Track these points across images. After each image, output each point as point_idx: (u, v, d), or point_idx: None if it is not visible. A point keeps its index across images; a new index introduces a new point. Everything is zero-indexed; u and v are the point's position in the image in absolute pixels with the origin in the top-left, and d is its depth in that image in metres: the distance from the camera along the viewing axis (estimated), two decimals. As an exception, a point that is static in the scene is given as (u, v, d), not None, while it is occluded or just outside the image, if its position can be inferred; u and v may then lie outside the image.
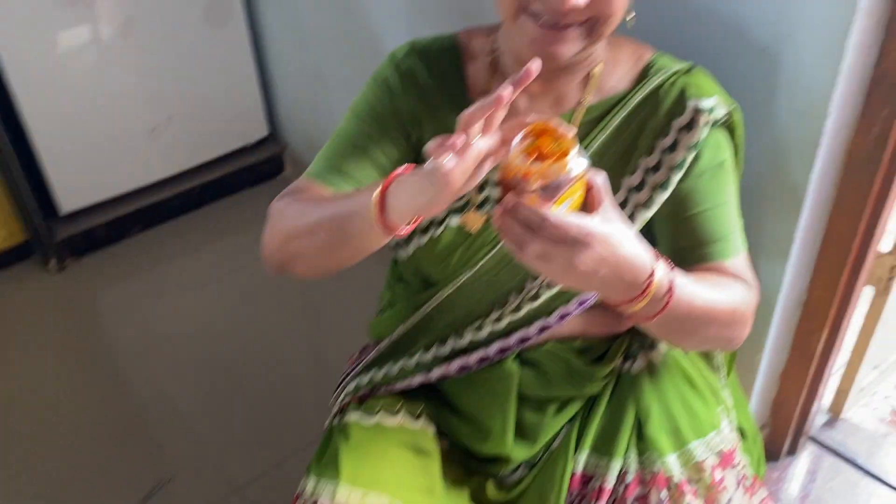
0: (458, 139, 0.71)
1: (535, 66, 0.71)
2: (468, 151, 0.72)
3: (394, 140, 0.99)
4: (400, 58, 1.01)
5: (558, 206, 0.73)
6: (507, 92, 0.70)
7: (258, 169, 2.49)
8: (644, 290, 0.79)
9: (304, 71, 2.22)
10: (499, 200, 0.74)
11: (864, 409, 1.71)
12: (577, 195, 0.75)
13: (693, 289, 0.86)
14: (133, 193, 2.29)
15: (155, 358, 1.94)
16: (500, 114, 0.74)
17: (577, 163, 0.73)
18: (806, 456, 1.57)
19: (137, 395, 1.86)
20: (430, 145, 0.72)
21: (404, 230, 0.81)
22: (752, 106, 1.13)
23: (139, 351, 1.97)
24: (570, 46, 0.89)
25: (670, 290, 0.81)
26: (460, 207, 1.01)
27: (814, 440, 1.59)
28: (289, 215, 0.94)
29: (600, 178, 0.75)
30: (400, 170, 0.80)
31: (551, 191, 0.72)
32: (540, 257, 0.73)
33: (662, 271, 0.81)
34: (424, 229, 1.01)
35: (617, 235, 0.75)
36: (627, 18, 0.94)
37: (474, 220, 1.01)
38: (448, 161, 0.71)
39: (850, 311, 1.34)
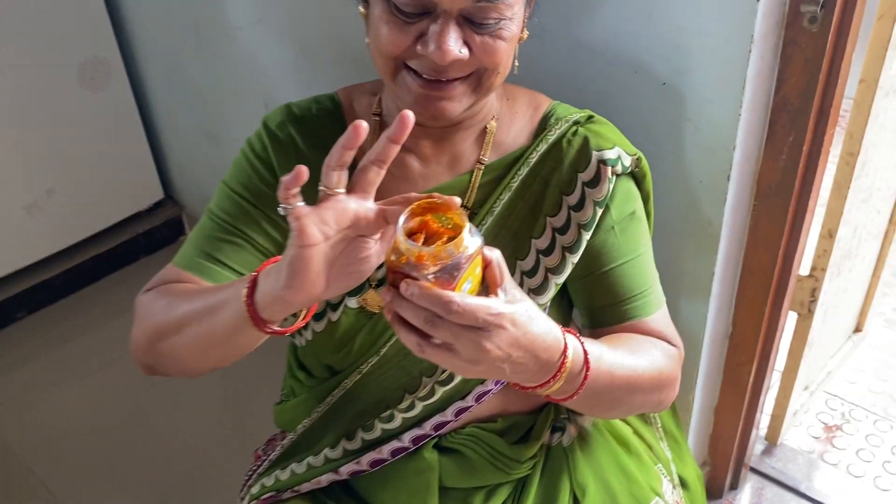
0: (302, 171, 0.63)
1: (411, 113, 0.65)
2: (328, 200, 0.65)
3: (273, 220, 0.89)
4: (274, 127, 0.91)
5: (458, 289, 0.65)
6: (364, 125, 0.64)
7: (156, 234, 2.33)
8: (560, 368, 0.72)
9: (195, 129, 2.09)
10: (395, 288, 0.65)
11: (798, 428, 1.68)
12: (475, 275, 0.67)
13: (611, 358, 0.80)
14: (14, 275, 2.09)
15: (49, 458, 1.75)
16: (374, 173, 0.67)
17: (471, 240, 0.65)
18: (748, 489, 1.53)
19: (29, 502, 1.67)
20: (279, 191, 0.64)
21: (279, 328, 0.71)
22: (658, 143, 1.09)
23: (30, 451, 1.78)
24: (457, 103, 0.81)
25: (586, 363, 0.75)
26: (358, 287, 0.91)
27: (754, 471, 1.55)
28: (155, 311, 0.83)
29: (496, 254, 0.68)
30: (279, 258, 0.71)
31: (449, 273, 0.64)
32: (445, 348, 0.66)
33: (574, 344, 0.75)
34: (320, 314, 0.91)
35: (526, 313, 0.68)
36: (516, 65, 0.87)
37: (374, 299, 0.91)
38: (303, 206, 0.64)
39: (777, 339, 1.30)
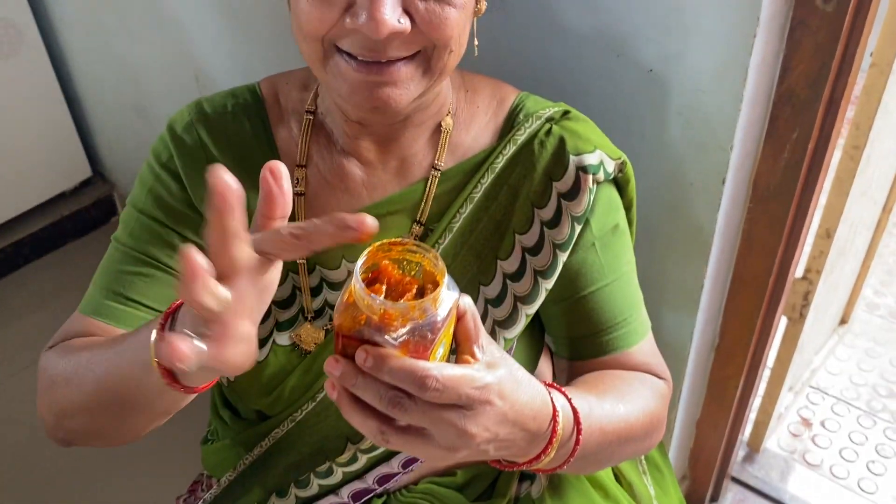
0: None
1: (280, 165, 0.47)
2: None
3: (190, 241, 0.72)
4: (181, 130, 0.74)
5: (433, 356, 0.50)
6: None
7: (84, 215, 2.13)
8: (551, 438, 0.59)
9: (123, 101, 1.88)
10: (347, 358, 0.50)
11: (780, 428, 1.58)
12: (449, 335, 0.53)
13: (600, 411, 0.67)
14: (-77, 266, 1.90)
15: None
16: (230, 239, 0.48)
17: (448, 293, 0.50)
18: (729, 500, 1.43)
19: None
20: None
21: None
22: (643, 139, 0.94)
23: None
24: (403, 89, 0.65)
25: (577, 423, 0.62)
26: (290, 320, 0.76)
27: (735, 480, 1.45)
28: (56, 377, 0.68)
29: (468, 302, 0.53)
30: None
31: (422, 336, 0.49)
32: (415, 433, 0.52)
33: (563, 404, 0.61)
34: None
35: (512, 378, 0.55)
36: (475, 45, 0.71)
37: (310, 335, 0.76)
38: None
39: (767, 350, 1.18)
